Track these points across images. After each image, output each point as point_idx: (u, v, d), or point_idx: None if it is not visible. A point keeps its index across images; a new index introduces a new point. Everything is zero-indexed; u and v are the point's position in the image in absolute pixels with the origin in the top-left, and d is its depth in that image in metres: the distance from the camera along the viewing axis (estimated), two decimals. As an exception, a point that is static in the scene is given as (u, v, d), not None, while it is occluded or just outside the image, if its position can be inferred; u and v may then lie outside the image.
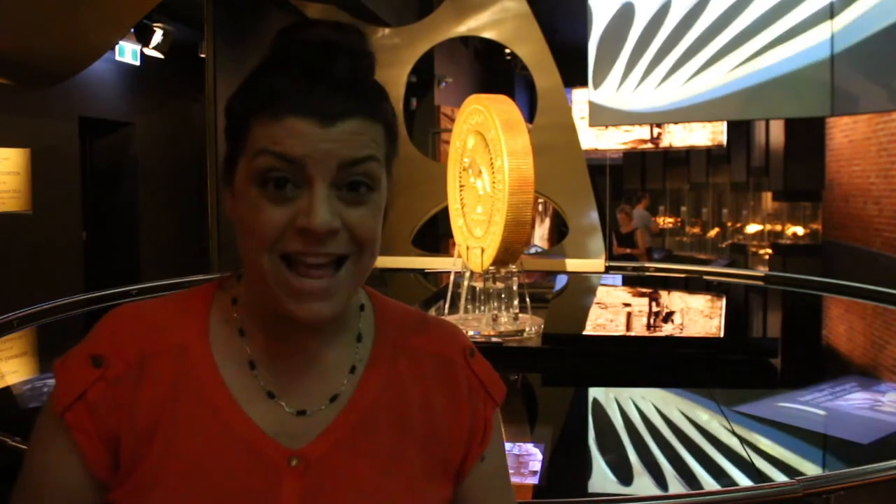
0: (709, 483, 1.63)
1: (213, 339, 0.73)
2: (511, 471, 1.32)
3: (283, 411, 0.71)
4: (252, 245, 0.66)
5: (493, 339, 2.88)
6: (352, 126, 0.66)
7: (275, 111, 0.65)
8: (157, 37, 6.62)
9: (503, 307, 3.03)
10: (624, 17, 7.40)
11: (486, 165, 2.99)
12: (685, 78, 7.07)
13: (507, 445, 1.94)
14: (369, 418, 0.73)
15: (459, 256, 3.22)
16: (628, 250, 8.25)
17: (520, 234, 2.91)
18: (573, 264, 4.65)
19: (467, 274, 3.10)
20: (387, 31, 5.32)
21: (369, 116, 0.67)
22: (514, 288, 3.05)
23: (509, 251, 2.94)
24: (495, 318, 2.99)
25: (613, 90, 7.44)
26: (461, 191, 3.22)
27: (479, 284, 3.03)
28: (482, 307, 3.04)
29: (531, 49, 4.91)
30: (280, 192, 0.65)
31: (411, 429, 0.74)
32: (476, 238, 3.07)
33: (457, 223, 3.25)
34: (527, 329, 2.95)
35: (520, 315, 3.04)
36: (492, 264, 2.97)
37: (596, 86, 7.51)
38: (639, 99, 7.35)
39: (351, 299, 0.71)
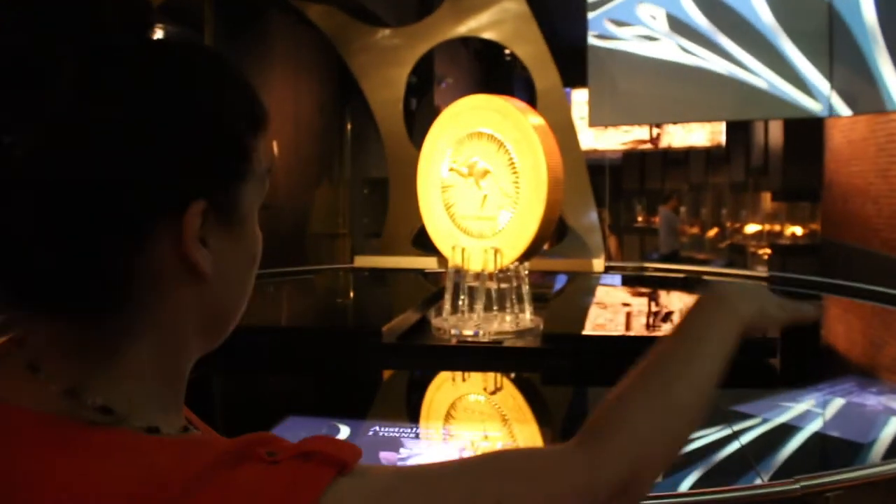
0: (709, 483, 1.63)
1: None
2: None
3: None
4: (248, 281, 0.60)
5: (494, 339, 2.88)
6: None
7: (267, 124, 0.59)
8: (157, 37, 6.61)
9: (506, 306, 3.03)
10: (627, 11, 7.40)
11: (502, 166, 3.00)
12: (684, 76, 7.07)
13: (510, 444, 1.93)
14: None
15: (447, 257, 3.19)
16: None
17: (549, 231, 3.06)
18: (573, 264, 4.65)
19: (484, 275, 3.07)
20: (387, 31, 5.31)
21: None
22: (526, 287, 3.06)
23: (532, 250, 3.01)
24: (513, 318, 2.99)
25: (613, 84, 7.43)
26: (444, 192, 3.18)
27: (493, 285, 3.02)
28: (494, 307, 3.03)
29: (531, 49, 4.91)
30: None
31: None
32: (483, 238, 3.05)
33: (441, 224, 3.19)
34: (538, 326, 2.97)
35: (532, 316, 3.05)
36: (512, 262, 2.99)
37: (594, 81, 7.50)
38: (637, 96, 7.34)
39: None
